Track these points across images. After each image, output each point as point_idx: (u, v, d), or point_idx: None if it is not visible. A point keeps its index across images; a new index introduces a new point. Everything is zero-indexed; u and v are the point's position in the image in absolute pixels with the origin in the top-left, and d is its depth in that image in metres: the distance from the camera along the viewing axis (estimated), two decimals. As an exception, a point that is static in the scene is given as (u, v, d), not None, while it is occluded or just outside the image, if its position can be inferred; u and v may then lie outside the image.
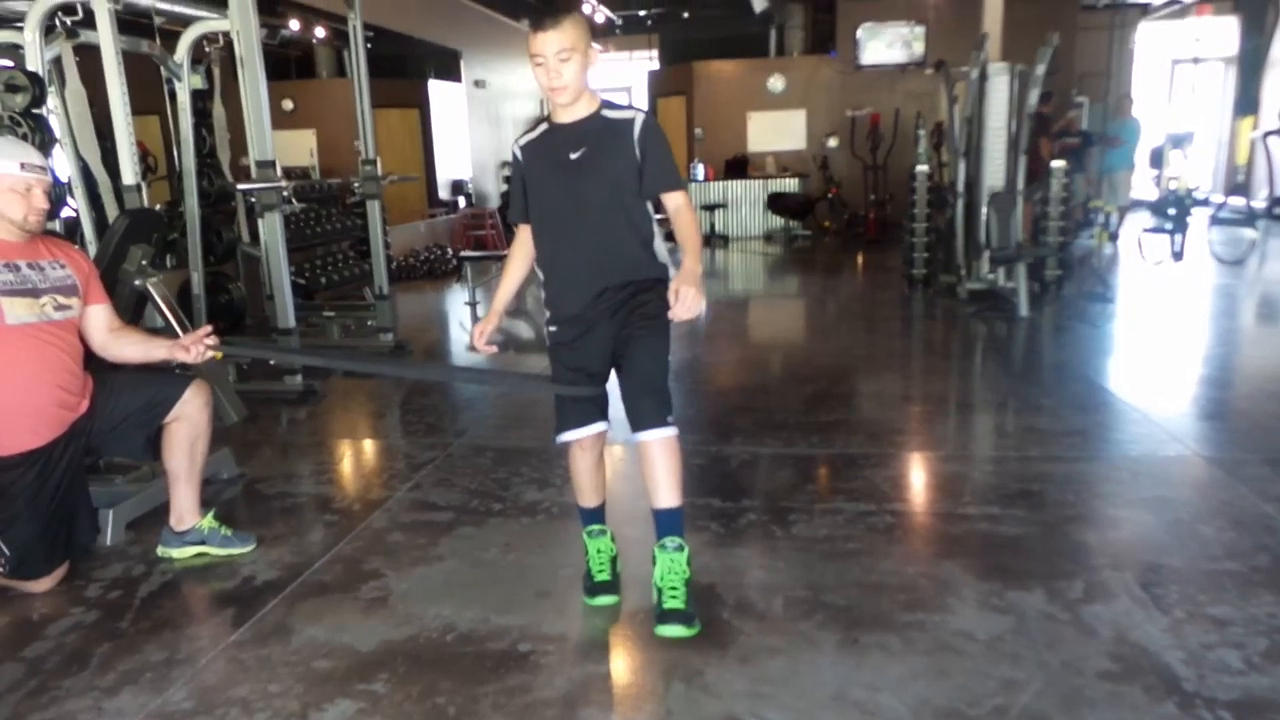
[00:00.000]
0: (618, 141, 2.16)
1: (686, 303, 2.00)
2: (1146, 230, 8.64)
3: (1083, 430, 3.83)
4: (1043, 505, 3.02)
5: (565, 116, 2.20)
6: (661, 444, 2.15)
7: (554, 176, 2.21)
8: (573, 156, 2.17)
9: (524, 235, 2.38)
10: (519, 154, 2.30)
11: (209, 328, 2.68)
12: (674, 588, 2.17)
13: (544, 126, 2.26)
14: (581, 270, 2.24)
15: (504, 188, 12.80)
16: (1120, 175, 9.61)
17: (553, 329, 2.33)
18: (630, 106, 2.25)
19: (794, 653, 2.17)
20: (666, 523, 2.20)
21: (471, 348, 2.27)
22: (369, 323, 6.10)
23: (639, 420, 2.15)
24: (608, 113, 2.19)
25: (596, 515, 2.46)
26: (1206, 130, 13.62)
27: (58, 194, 3.59)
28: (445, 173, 11.74)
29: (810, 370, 5.19)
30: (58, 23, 4.15)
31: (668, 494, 2.17)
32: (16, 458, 2.50)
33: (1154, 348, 5.51)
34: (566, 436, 2.30)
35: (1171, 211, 8.22)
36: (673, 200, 2.19)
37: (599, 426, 2.29)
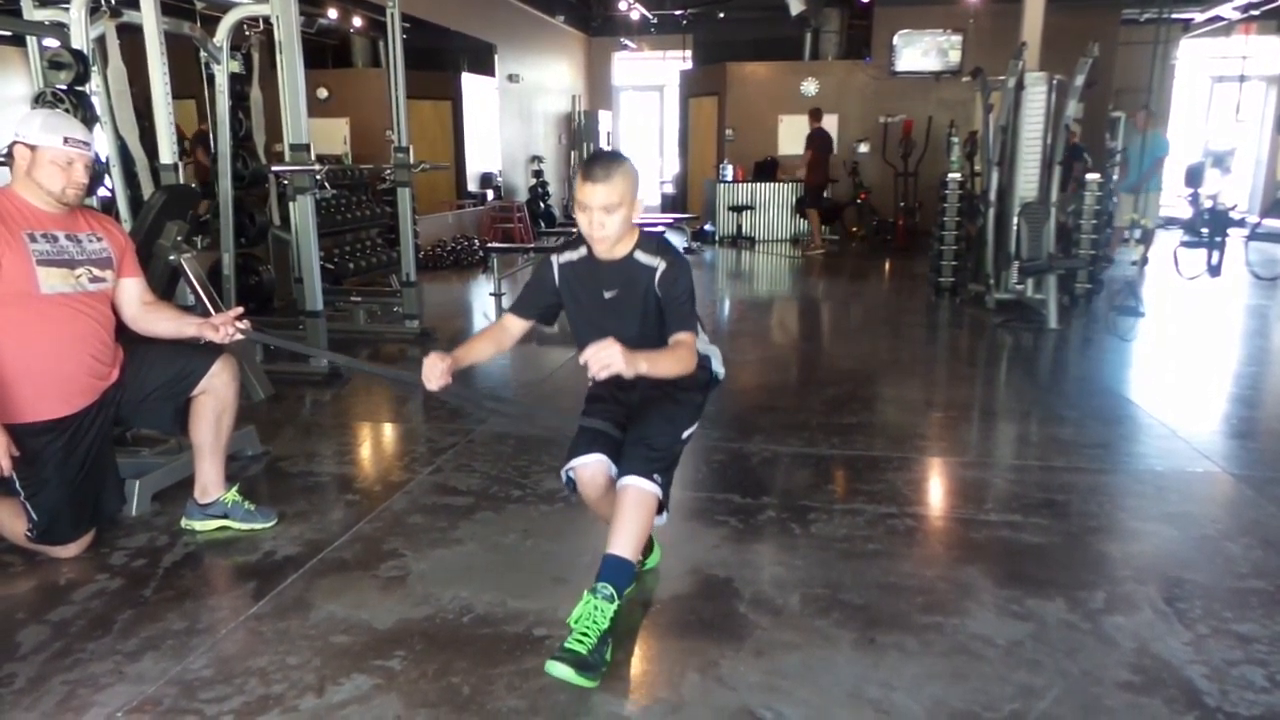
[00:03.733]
0: (645, 286, 2.21)
1: (599, 354, 1.92)
2: (1183, 244, 8.50)
3: (1108, 443, 3.78)
4: (1066, 515, 2.99)
5: (604, 254, 2.22)
6: (636, 494, 2.09)
7: (590, 305, 2.28)
8: (607, 295, 2.24)
9: (507, 324, 2.38)
10: (555, 270, 2.31)
11: (240, 309, 2.70)
12: (585, 633, 2.01)
13: (583, 251, 2.27)
14: (623, 381, 2.22)
15: (532, 182, 12.88)
16: (1144, 196, 8.77)
17: (591, 382, 2.34)
18: (659, 249, 2.23)
19: (810, 649, 2.16)
20: (609, 569, 2.08)
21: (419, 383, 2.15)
22: (395, 309, 6.15)
23: (625, 466, 2.12)
24: (640, 256, 2.22)
25: None
26: (1246, 148, 13.42)
27: (97, 171, 3.64)
28: (475, 165, 11.80)
29: (833, 373, 5.17)
30: (103, 2, 4.21)
31: (622, 544, 2.08)
32: (48, 424, 2.54)
33: (1184, 364, 5.44)
34: (569, 465, 2.23)
35: (1205, 230, 8.09)
36: (678, 338, 2.17)
37: (600, 457, 2.19)
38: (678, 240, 11.56)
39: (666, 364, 2.10)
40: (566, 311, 2.36)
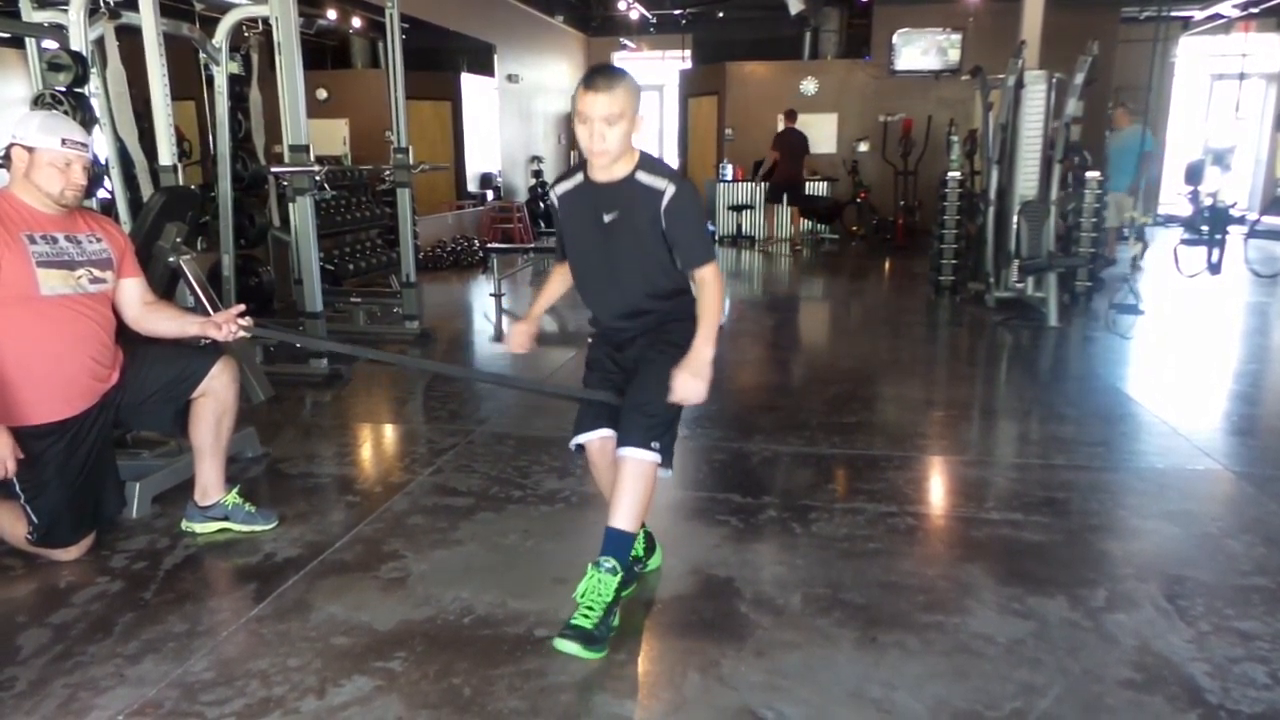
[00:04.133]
0: (648, 209, 2.13)
1: (684, 393, 2.04)
2: (1183, 242, 8.49)
3: (1109, 441, 3.78)
4: (1066, 513, 2.99)
5: (601, 175, 2.16)
6: (635, 465, 2.09)
7: (587, 234, 2.23)
8: (605, 219, 2.16)
9: (562, 271, 2.41)
10: (555, 201, 2.30)
11: (241, 307, 2.69)
12: (590, 607, 2.07)
13: (579, 178, 2.22)
14: (618, 314, 2.29)
15: (531, 182, 12.87)
16: (1116, 197, 7.85)
17: (590, 338, 2.41)
18: (666, 171, 2.16)
19: (811, 648, 2.16)
20: (611, 542, 2.11)
21: (498, 341, 2.26)
22: (395, 310, 6.14)
23: (623, 436, 2.12)
24: (641, 176, 2.13)
25: None
26: (1245, 146, 13.41)
27: (96, 173, 3.64)
28: (475, 166, 11.80)
29: (833, 372, 5.16)
30: (101, 3, 4.21)
31: (622, 516, 2.10)
32: (48, 426, 2.54)
33: (1184, 361, 5.44)
34: (577, 439, 2.28)
35: (1205, 228, 8.07)
36: (698, 274, 2.17)
37: (604, 432, 2.23)
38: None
39: (714, 319, 2.12)
40: (565, 245, 2.31)
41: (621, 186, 2.14)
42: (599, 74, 2.06)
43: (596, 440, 2.26)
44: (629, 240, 2.17)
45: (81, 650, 2.16)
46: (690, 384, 2.05)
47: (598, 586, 2.09)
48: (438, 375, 5.09)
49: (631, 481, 2.10)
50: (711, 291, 2.14)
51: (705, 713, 1.93)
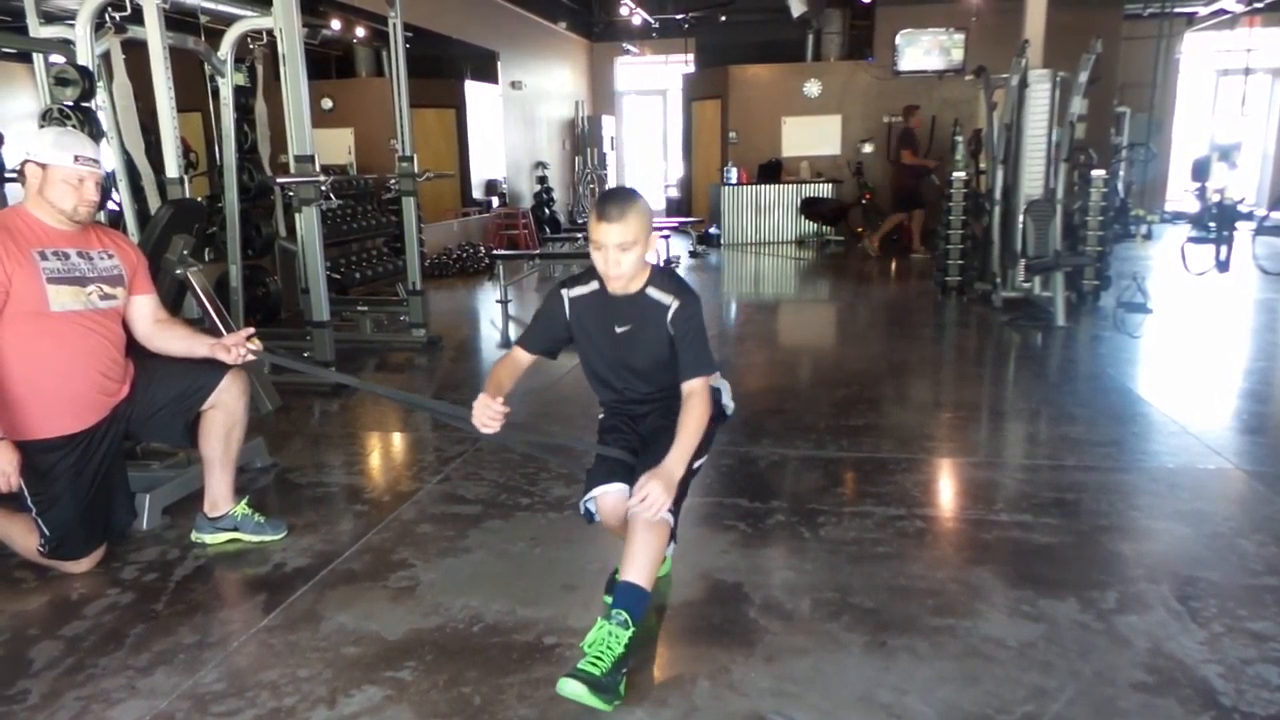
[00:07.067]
0: (656, 321, 2.22)
1: (648, 502, 2.01)
2: (1190, 240, 8.45)
3: (1119, 441, 3.76)
4: (1077, 514, 2.97)
5: (616, 289, 2.22)
6: (648, 523, 2.07)
7: (601, 340, 2.29)
8: (619, 330, 2.25)
9: (516, 356, 2.36)
10: (566, 304, 2.30)
11: (250, 330, 2.71)
12: (599, 657, 1.97)
13: (595, 287, 2.26)
14: (630, 402, 2.35)
15: (536, 188, 12.90)
16: None
17: (601, 415, 2.45)
18: (672, 288, 2.23)
19: (820, 653, 2.16)
20: (624, 597, 2.06)
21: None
22: (401, 317, 6.16)
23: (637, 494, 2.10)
24: (651, 292, 2.22)
25: None
26: (1252, 142, 13.35)
27: (105, 186, 3.67)
28: (479, 172, 11.83)
29: (840, 375, 5.15)
30: (107, 18, 4.25)
31: (637, 572, 2.06)
32: (59, 440, 2.55)
33: (1194, 360, 5.41)
34: (589, 495, 2.24)
35: (1213, 225, 8.03)
36: (688, 387, 2.18)
37: (619, 485, 2.21)
38: (683, 244, 11.56)
39: (693, 439, 2.12)
40: (577, 344, 2.35)
41: (635, 300, 2.22)
42: (611, 203, 2.11)
43: (611, 495, 2.21)
44: (640, 355, 2.26)
45: (93, 662, 2.17)
46: (655, 491, 2.01)
47: (607, 639, 1.99)
48: (445, 382, 5.10)
49: (645, 538, 2.07)
50: (698, 409, 2.14)
51: (715, 719, 1.92)
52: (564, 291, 2.31)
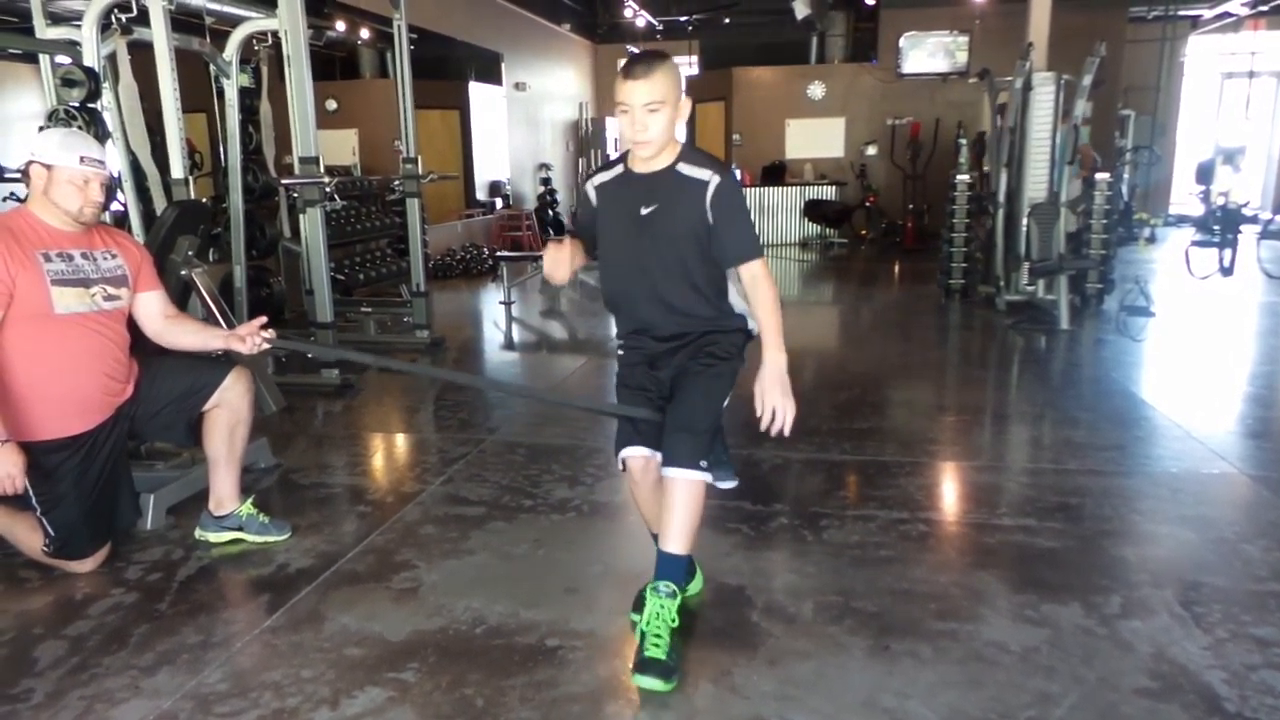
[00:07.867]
0: (690, 202, 2.03)
1: (776, 415, 1.96)
2: (1194, 243, 8.45)
3: (1122, 445, 3.76)
4: (1080, 519, 2.97)
5: (642, 166, 2.08)
6: (684, 485, 2.02)
7: (624, 228, 2.12)
8: (644, 211, 2.06)
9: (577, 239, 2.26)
10: (592, 193, 2.18)
11: (263, 319, 2.68)
12: (658, 634, 2.02)
13: (619, 169, 2.14)
14: (651, 320, 2.17)
15: (540, 189, 12.90)
16: None
17: (620, 351, 2.28)
18: (709, 162, 2.07)
19: (823, 657, 2.15)
20: (666, 567, 2.07)
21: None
22: (405, 319, 6.17)
23: (669, 456, 2.04)
24: (683, 167, 2.05)
25: None
26: (1257, 145, 13.33)
27: (110, 187, 3.68)
28: (483, 174, 11.84)
29: (843, 377, 5.15)
30: (113, 20, 4.26)
31: (675, 539, 2.05)
32: (63, 441, 2.56)
33: (1198, 364, 5.40)
34: (620, 454, 2.16)
35: (1217, 228, 8.03)
36: (748, 270, 2.06)
37: (645, 451, 2.11)
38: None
39: (776, 328, 2.01)
40: (599, 241, 2.18)
41: (662, 177, 2.05)
42: (638, 61, 1.97)
43: (639, 459, 2.12)
44: (666, 235, 2.07)
45: (97, 662, 2.18)
46: (780, 401, 1.96)
47: (660, 612, 2.04)
48: (449, 383, 5.11)
49: (682, 503, 2.03)
50: (766, 290, 2.03)
51: (718, 722, 1.93)
52: (589, 182, 2.19)
